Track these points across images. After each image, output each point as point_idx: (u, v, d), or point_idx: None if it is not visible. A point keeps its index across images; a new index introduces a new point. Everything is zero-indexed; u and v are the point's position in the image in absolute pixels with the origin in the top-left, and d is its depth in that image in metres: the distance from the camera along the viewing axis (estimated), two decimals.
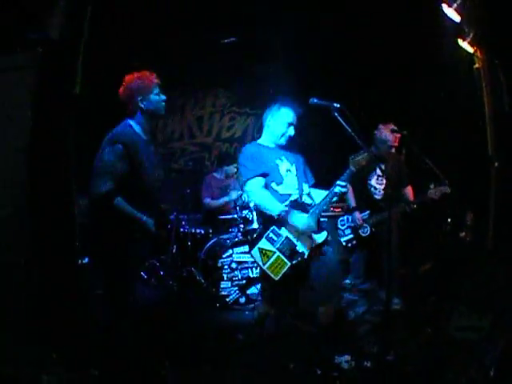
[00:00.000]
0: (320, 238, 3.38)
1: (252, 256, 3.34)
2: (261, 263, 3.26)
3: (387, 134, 4.80)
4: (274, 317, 3.44)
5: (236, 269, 4.95)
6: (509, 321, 2.96)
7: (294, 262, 3.25)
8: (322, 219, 3.55)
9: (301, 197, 3.50)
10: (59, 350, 2.73)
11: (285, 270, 3.23)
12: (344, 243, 4.83)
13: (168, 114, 6.63)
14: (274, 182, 3.44)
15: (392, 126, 4.78)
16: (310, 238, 3.35)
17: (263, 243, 3.29)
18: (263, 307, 3.62)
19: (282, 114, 3.52)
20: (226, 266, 4.94)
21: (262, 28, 5.68)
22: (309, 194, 3.60)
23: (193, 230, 5.43)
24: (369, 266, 4.96)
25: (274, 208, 3.32)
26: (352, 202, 4.88)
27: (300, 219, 3.30)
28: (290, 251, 3.26)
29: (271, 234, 3.30)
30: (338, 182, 3.33)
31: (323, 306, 3.47)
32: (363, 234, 4.72)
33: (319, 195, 3.53)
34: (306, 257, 3.30)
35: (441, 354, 3.04)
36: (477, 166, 4.83)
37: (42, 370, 2.61)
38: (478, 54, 4.81)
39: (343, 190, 3.34)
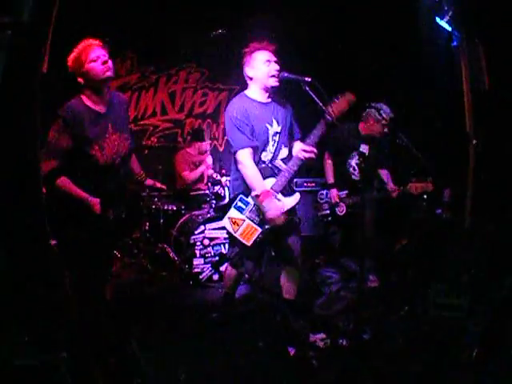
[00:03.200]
0: (290, 202, 3.33)
1: (224, 226, 3.33)
2: (232, 231, 3.27)
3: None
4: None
5: (208, 245, 4.90)
6: (489, 299, 2.93)
7: (265, 227, 3.23)
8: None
9: (272, 159, 3.39)
10: (31, 332, 2.64)
11: (256, 236, 3.23)
12: (320, 217, 4.87)
13: (141, 89, 6.52)
14: (258, 149, 3.31)
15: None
16: (280, 201, 3.28)
17: (232, 212, 3.29)
18: (230, 270, 3.58)
19: (256, 57, 3.33)
20: (198, 243, 4.88)
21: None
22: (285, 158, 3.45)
23: (165, 207, 5.32)
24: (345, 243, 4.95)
25: (259, 187, 3.22)
26: (330, 179, 4.82)
27: (274, 206, 3.21)
28: (260, 218, 3.25)
29: (239, 203, 3.29)
30: (302, 147, 3.26)
31: (286, 278, 3.44)
32: (339, 213, 4.69)
33: None
34: (277, 222, 3.23)
35: (419, 333, 3.00)
36: (455, 144, 4.81)
37: (14, 353, 2.51)
38: (457, 32, 4.76)
39: (307, 155, 3.23)
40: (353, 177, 4.74)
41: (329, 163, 4.84)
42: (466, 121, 4.70)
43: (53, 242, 4.28)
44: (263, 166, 3.32)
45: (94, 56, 2.77)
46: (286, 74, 3.22)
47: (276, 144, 3.37)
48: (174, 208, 5.39)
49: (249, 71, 3.37)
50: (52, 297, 2.82)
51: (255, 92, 3.39)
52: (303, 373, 2.77)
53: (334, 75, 5.08)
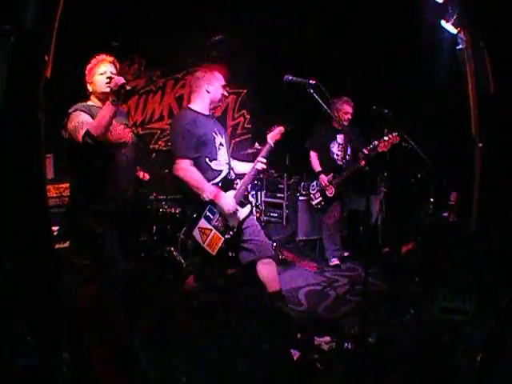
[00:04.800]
0: (245, 212, 3.56)
1: (193, 236, 3.47)
2: (201, 242, 3.43)
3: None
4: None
5: None
6: (495, 304, 2.92)
7: (226, 236, 3.44)
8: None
9: (229, 172, 3.66)
10: (34, 333, 2.66)
11: (220, 244, 3.42)
12: (315, 206, 5.46)
13: (148, 93, 6.57)
14: (207, 158, 3.51)
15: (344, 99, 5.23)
16: (238, 211, 3.53)
17: (202, 222, 3.45)
18: (192, 285, 3.76)
19: (218, 77, 3.61)
20: None
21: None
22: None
23: (172, 210, 5.33)
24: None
25: (207, 188, 3.43)
26: (317, 167, 5.45)
27: (228, 200, 3.45)
28: (224, 227, 3.45)
29: (208, 213, 3.45)
30: (259, 159, 3.59)
31: (264, 271, 3.52)
32: (329, 195, 5.31)
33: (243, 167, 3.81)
34: (235, 230, 3.48)
35: (424, 337, 3.00)
36: (461, 147, 4.80)
37: (16, 354, 2.53)
38: (462, 35, 4.75)
39: (264, 166, 3.60)
40: (337, 162, 5.44)
41: (313, 154, 5.51)
42: (471, 124, 4.69)
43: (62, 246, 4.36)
44: (220, 178, 3.54)
45: (102, 70, 3.13)
46: (289, 77, 3.25)
47: (224, 155, 3.62)
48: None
49: (207, 87, 3.60)
50: (53, 297, 2.85)
51: (200, 107, 3.61)
52: (307, 376, 2.78)
53: (334, 78, 5.10)
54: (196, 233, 3.44)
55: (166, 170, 5.44)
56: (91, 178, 3.12)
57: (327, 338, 3.16)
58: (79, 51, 3.42)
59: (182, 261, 4.99)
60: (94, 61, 3.18)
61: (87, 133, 2.84)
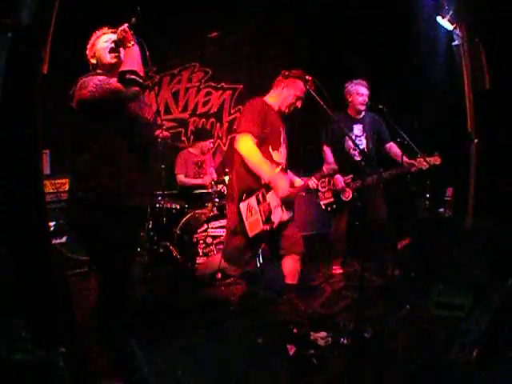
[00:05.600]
0: (288, 215, 3.54)
1: (239, 208, 3.37)
2: (244, 217, 3.36)
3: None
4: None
5: (211, 244, 4.92)
6: (491, 300, 2.93)
7: (265, 227, 3.39)
8: None
9: (286, 170, 3.63)
10: (31, 328, 2.67)
11: (258, 231, 3.37)
12: (323, 206, 4.61)
13: (145, 90, 6.53)
14: (271, 146, 3.46)
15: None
16: (282, 211, 3.49)
17: (252, 201, 3.39)
18: (222, 262, 3.70)
19: (296, 85, 3.49)
20: (201, 241, 4.90)
21: None
22: None
23: (168, 206, 5.33)
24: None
25: (267, 171, 3.34)
26: (331, 164, 4.59)
27: (285, 184, 3.37)
28: (266, 217, 3.40)
29: (260, 195, 3.40)
30: (313, 178, 3.66)
31: (289, 264, 3.56)
32: (345, 199, 4.58)
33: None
34: (274, 226, 3.43)
35: (420, 332, 3.01)
36: (456, 143, 4.81)
37: (13, 349, 2.53)
38: (458, 31, 4.76)
39: (315, 185, 3.66)
40: (354, 158, 4.71)
41: (327, 149, 4.81)
42: (467, 120, 4.70)
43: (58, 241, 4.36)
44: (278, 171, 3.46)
45: (106, 38, 2.79)
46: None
47: (284, 152, 3.59)
48: (178, 206, 5.39)
49: (286, 86, 3.53)
50: (49, 292, 2.85)
51: (273, 103, 3.56)
52: (303, 371, 2.78)
53: (331, 74, 5.09)
54: (243, 206, 3.36)
55: (163, 166, 5.44)
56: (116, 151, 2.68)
57: (323, 334, 3.17)
58: (73, 48, 3.31)
59: (179, 256, 4.99)
60: (94, 35, 2.84)
61: (126, 71, 2.52)
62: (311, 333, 3.18)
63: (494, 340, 2.58)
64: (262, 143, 3.40)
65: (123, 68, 2.56)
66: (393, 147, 4.75)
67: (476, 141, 4.72)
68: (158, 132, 3.58)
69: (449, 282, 3.37)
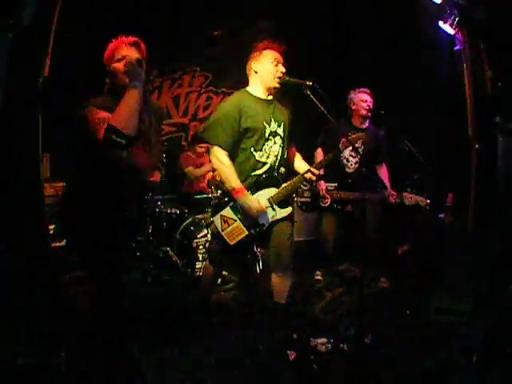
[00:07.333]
0: (280, 213, 3.37)
1: (213, 221, 3.35)
2: (220, 229, 3.31)
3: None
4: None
5: None
6: (491, 305, 2.92)
7: (252, 231, 3.30)
8: None
9: (277, 167, 3.41)
10: (32, 332, 2.66)
11: (241, 237, 3.29)
12: (299, 203, 4.65)
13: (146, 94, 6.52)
14: (253, 147, 3.28)
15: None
16: (274, 210, 3.36)
17: (226, 211, 3.31)
18: (208, 267, 3.69)
19: (266, 54, 3.34)
20: (201, 246, 4.88)
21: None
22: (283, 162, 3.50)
23: (168, 210, 5.32)
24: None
25: (232, 187, 3.22)
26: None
27: (248, 200, 3.23)
28: (252, 222, 3.29)
29: (236, 204, 3.28)
30: (311, 168, 3.41)
31: (277, 282, 3.41)
32: (322, 204, 4.52)
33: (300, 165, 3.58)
34: (265, 228, 3.33)
35: (421, 337, 2.99)
36: (457, 148, 4.80)
37: (16, 354, 2.53)
38: (460, 36, 4.76)
39: (313, 177, 3.41)
40: (346, 169, 4.63)
41: (319, 152, 4.71)
42: (468, 125, 4.69)
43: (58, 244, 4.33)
44: (265, 176, 3.34)
45: (121, 55, 2.50)
46: (286, 78, 3.25)
47: (274, 145, 3.36)
48: (177, 211, 5.38)
49: (255, 65, 3.38)
50: (50, 296, 2.84)
51: (256, 90, 3.39)
52: (304, 377, 2.77)
53: (334, 79, 5.09)
54: (217, 219, 3.31)
55: (163, 171, 5.43)
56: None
57: (323, 339, 3.15)
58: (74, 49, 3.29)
59: (178, 261, 4.98)
60: (111, 45, 2.54)
61: (109, 128, 2.25)
62: (311, 338, 3.17)
63: (494, 345, 2.57)
64: (241, 144, 3.28)
65: (112, 117, 2.32)
66: (383, 171, 4.74)
67: (477, 146, 4.70)
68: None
69: (450, 288, 3.35)
